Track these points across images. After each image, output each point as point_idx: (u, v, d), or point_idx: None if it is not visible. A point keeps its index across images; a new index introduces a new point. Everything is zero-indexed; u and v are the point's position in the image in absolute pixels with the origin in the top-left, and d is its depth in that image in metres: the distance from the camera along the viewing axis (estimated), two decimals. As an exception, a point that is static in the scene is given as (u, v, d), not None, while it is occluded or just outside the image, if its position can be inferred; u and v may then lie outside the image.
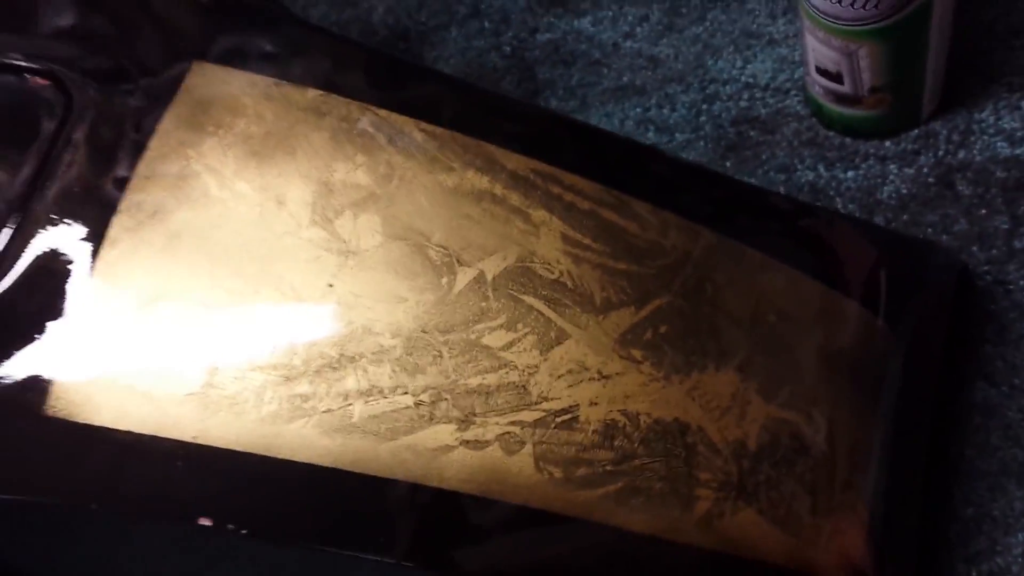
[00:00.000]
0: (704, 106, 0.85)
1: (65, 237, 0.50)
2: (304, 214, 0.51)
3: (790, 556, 0.51)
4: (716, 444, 0.51)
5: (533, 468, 0.48)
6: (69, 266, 0.49)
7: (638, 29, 0.89)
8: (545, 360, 0.49)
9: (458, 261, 0.51)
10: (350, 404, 0.48)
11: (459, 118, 0.55)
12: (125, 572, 0.54)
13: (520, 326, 0.50)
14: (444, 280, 0.50)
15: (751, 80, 0.86)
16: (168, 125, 0.52)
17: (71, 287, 0.48)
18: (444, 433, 0.48)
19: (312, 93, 0.54)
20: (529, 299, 0.50)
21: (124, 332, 0.48)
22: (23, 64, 0.53)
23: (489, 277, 0.51)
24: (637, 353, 0.50)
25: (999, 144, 0.77)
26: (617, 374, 0.50)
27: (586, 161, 0.54)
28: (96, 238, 0.49)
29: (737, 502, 0.50)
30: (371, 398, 0.48)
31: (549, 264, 0.51)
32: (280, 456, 0.47)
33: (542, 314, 0.50)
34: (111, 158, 0.51)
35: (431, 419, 0.48)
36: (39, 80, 0.54)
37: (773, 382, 0.53)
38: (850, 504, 0.54)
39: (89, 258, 0.49)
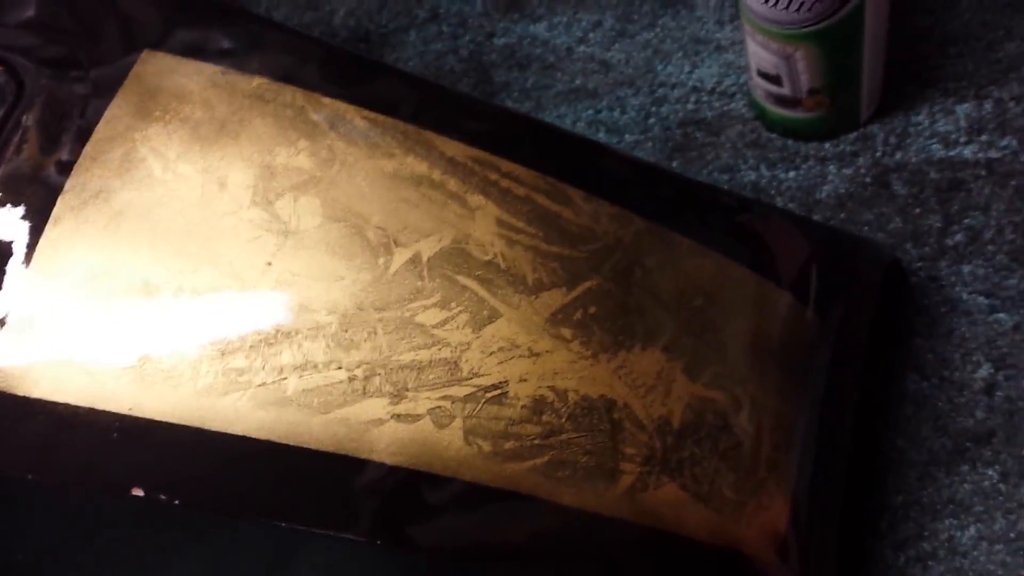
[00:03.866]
0: (653, 108, 0.87)
1: (10, 217, 0.50)
2: (245, 196, 0.52)
3: (713, 531, 0.52)
4: (641, 420, 0.51)
5: (462, 441, 0.49)
6: (12, 244, 0.49)
7: (591, 34, 0.91)
8: (477, 337, 0.50)
9: (395, 242, 0.51)
10: (285, 378, 0.48)
11: (400, 107, 0.56)
12: (78, 551, 0.54)
13: (454, 305, 0.51)
14: (381, 260, 0.51)
15: (698, 84, 0.87)
16: (116, 111, 0.53)
17: (12, 265, 0.49)
18: (376, 407, 0.48)
19: (257, 81, 0.55)
20: (463, 279, 0.51)
21: (64, 307, 0.48)
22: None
23: (425, 258, 0.51)
24: (567, 332, 0.51)
25: (934, 146, 0.79)
26: (547, 352, 0.50)
27: (524, 150, 0.55)
28: (40, 217, 0.50)
29: (660, 477, 0.51)
30: (305, 372, 0.49)
31: (483, 246, 0.52)
32: (214, 428, 0.47)
33: (475, 293, 0.51)
34: (58, 142, 0.52)
35: (364, 393, 0.49)
36: (-7, 68, 0.54)
37: (698, 362, 0.54)
38: (773, 483, 0.54)
39: (32, 236, 0.49)
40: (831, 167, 0.80)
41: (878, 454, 0.66)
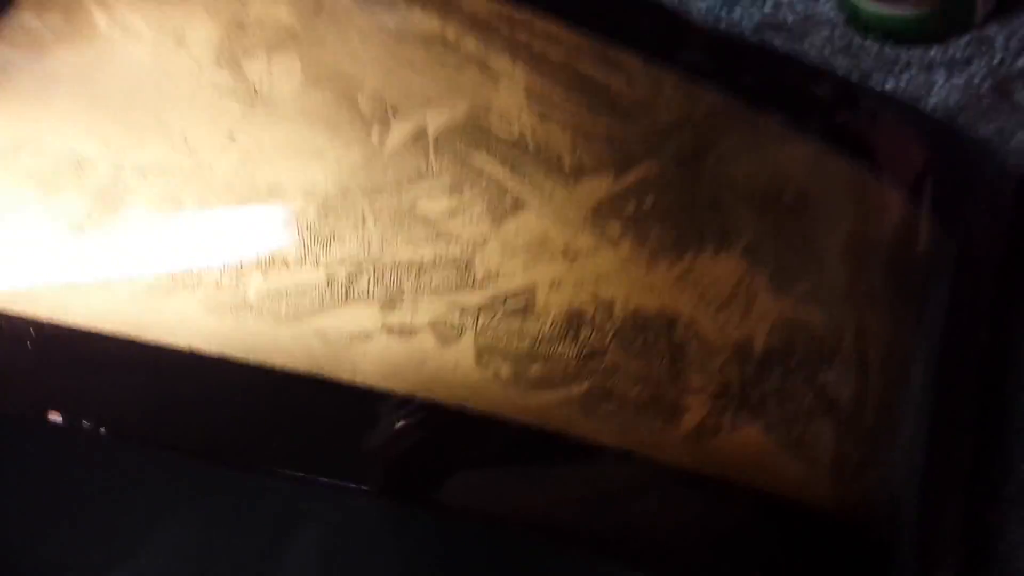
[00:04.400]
0: (723, 12, 0.74)
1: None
2: (207, 54, 0.40)
3: (804, 490, 0.38)
4: (712, 343, 0.38)
5: (474, 362, 0.36)
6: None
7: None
8: (497, 232, 0.37)
9: (394, 113, 0.39)
10: (245, 277, 0.36)
11: None
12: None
13: (467, 191, 0.38)
14: (375, 134, 0.38)
15: (775, -19, 0.74)
16: None
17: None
18: (362, 315, 0.36)
19: None
20: (480, 160, 0.38)
21: None
22: None
23: (431, 132, 0.39)
24: (615, 228, 0.38)
25: None
26: (588, 252, 0.38)
27: (565, 4, 0.41)
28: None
29: (737, 416, 0.38)
30: (272, 270, 0.36)
31: (508, 120, 0.39)
32: (152, 338, 0.35)
33: (495, 178, 0.38)
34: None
35: (347, 297, 0.36)
36: None
37: (788, 272, 0.40)
38: (883, 432, 0.40)
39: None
40: (939, 75, 0.68)
41: (1004, 410, 0.52)
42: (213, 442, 0.37)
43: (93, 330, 0.37)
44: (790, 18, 0.76)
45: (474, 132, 0.41)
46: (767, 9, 0.76)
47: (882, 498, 0.42)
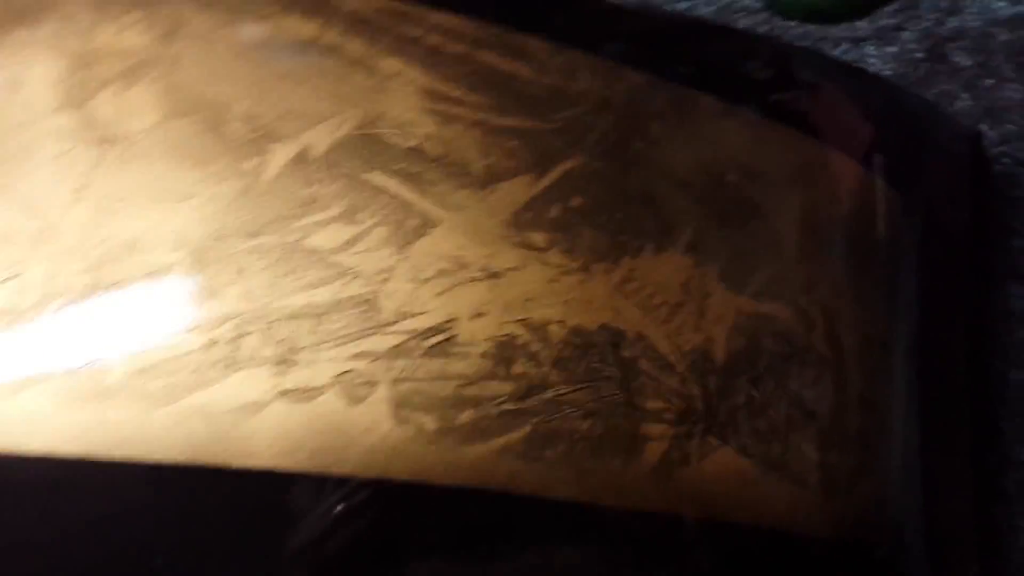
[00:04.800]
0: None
1: None
2: (49, 97, 0.33)
3: (791, 514, 0.32)
4: (667, 357, 0.32)
5: (391, 419, 0.30)
6: None
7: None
8: (404, 259, 0.31)
9: (270, 136, 0.32)
10: (105, 355, 0.29)
11: None
12: None
13: (364, 216, 0.32)
14: (250, 164, 0.32)
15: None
16: None
17: None
18: (251, 383, 0.30)
19: None
20: (376, 177, 0.32)
21: None
22: None
23: (316, 153, 0.33)
24: (539, 238, 0.32)
25: (997, 3, 0.63)
26: (511, 269, 0.31)
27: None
28: None
29: (706, 439, 0.31)
30: (138, 344, 0.29)
31: (404, 128, 0.33)
32: None
33: (396, 196, 0.32)
34: None
35: (232, 364, 0.29)
36: None
37: (741, 265, 0.34)
38: (873, 434, 0.34)
39: None
40: (869, 48, 0.66)
41: (988, 390, 0.47)
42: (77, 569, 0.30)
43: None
44: (705, 11, 0.72)
45: (366, 146, 0.35)
46: (682, 4, 0.72)
47: (882, 510, 0.36)
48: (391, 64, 0.37)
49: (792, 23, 0.67)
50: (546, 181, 0.35)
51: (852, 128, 0.43)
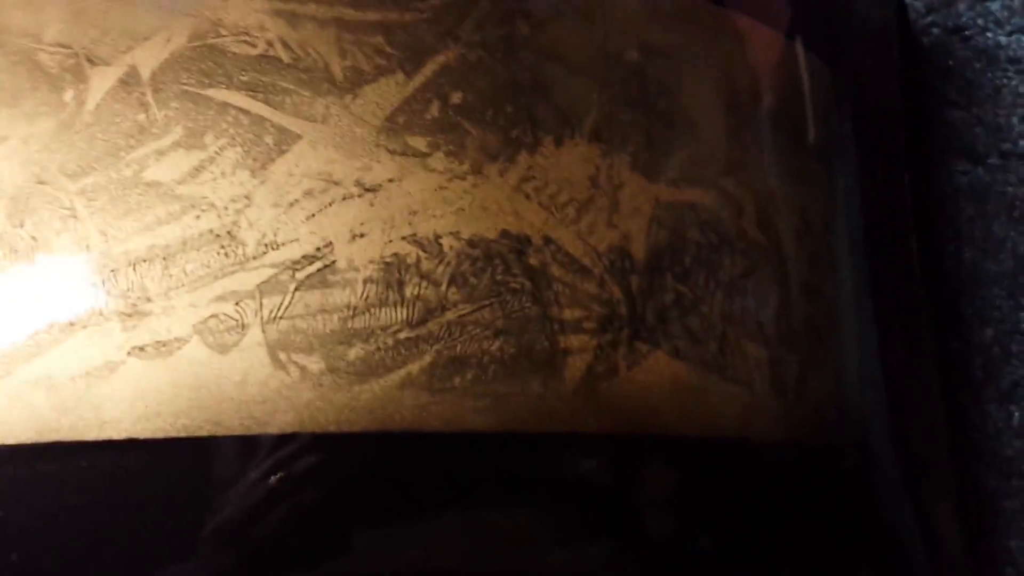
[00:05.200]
0: None
1: None
2: None
3: (739, 420, 0.28)
4: (580, 259, 0.28)
5: (269, 365, 0.25)
6: None
7: None
8: (262, 183, 0.27)
9: (89, 60, 0.27)
10: None
11: None
12: None
13: (209, 138, 0.27)
14: (68, 95, 0.28)
15: None
16: None
17: None
18: (97, 343, 0.25)
19: None
20: (219, 93, 0.27)
21: None
22: None
23: (145, 73, 0.27)
24: (419, 142, 0.28)
25: None
26: (390, 180, 0.27)
27: None
28: None
29: (634, 344, 0.28)
30: None
31: (247, 34, 0.28)
32: None
33: (245, 112, 0.27)
34: None
35: (69, 325, 0.24)
36: None
37: (656, 148, 0.31)
38: (821, 325, 0.31)
39: None
40: None
41: (945, 272, 0.44)
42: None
43: None
44: None
45: (204, 59, 0.30)
46: None
47: (841, 408, 0.32)
48: (223, -36, 0.32)
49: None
50: (419, 79, 0.31)
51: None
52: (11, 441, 0.27)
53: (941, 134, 0.53)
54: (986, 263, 0.50)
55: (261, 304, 0.29)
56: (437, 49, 0.33)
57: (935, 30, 0.57)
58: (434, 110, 0.32)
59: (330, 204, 0.30)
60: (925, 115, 0.53)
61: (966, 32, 0.57)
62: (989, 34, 0.56)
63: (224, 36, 0.32)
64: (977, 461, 0.46)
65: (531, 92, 0.33)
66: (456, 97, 0.32)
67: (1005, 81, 0.55)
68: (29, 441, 0.27)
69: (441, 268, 0.30)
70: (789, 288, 0.35)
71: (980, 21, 0.56)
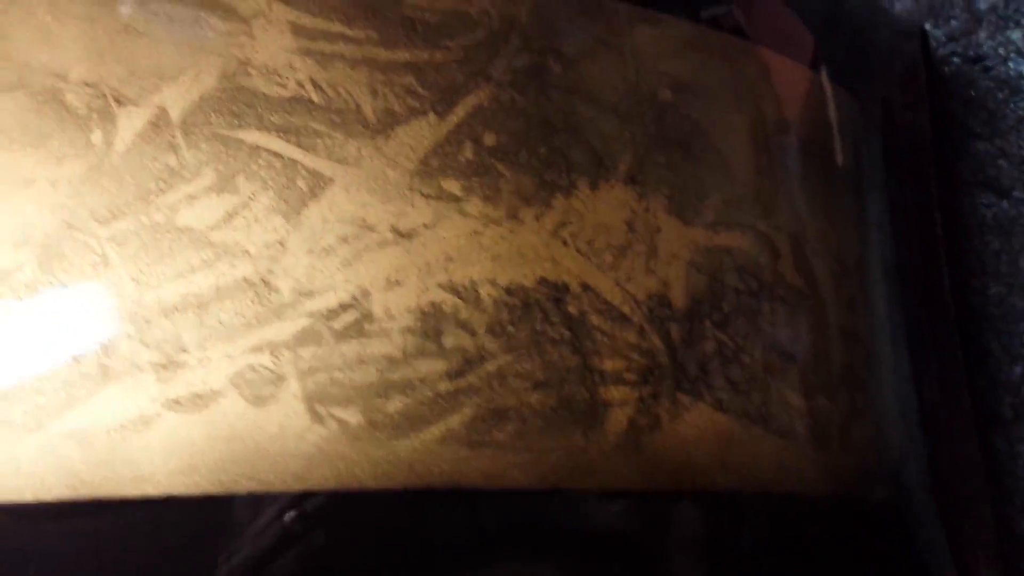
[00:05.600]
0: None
1: None
2: None
3: (782, 471, 0.29)
4: (619, 308, 0.28)
5: (306, 418, 0.25)
6: None
7: None
8: (296, 228, 0.26)
9: (116, 100, 0.27)
10: None
11: None
12: None
13: (242, 181, 0.27)
14: (96, 136, 0.28)
15: None
16: None
17: None
18: (132, 395, 0.25)
19: None
20: (250, 135, 0.27)
21: None
22: None
23: (175, 114, 0.28)
24: (453, 185, 0.28)
25: None
26: (425, 226, 0.27)
27: None
28: None
29: (676, 397, 0.28)
30: None
31: (277, 75, 0.28)
32: None
33: (277, 155, 0.27)
34: None
35: (103, 376, 0.24)
36: None
37: (690, 191, 0.31)
38: (860, 369, 0.31)
39: None
40: None
41: (972, 305, 0.44)
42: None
43: None
44: None
45: (235, 100, 0.30)
46: None
47: (881, 455, 0.32)
48: (248, 3, 0.32)
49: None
50: (452, 120, 0.31)
51: (793, 30, 0.39)
52: (45, 496, 0.27)
53: (965, 166, 0.53)
54: (1013, 298, 0.50)
55: (297, 355, 0.29)
56: (469, 89, 0.33)
57: (956, 59, 0.57)
58: (467, 152, 0.32)
59: (365, 250, 0.30)
60: (949, 147, 0.53)
61: (987, 62, 0.57)
62: (1011, 64, 0.56)
63: (253, 76, 0.32)
64: (1009, 504, 0.46)
65: (564, 133, 0.33)
66: (489, 138, 0.32)
67: (1026, 111, 0.56)
68: (63, 497, 0.27)
69: (479, 317, 0.30)
70: (828, 333, 0.35)
71: (1001, 51, 0.56)
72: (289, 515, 0.27)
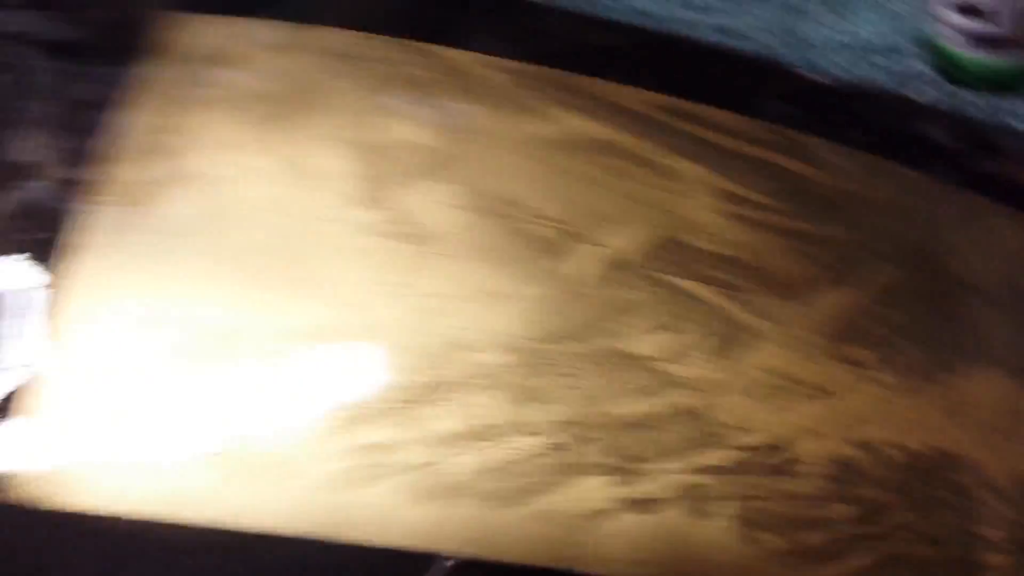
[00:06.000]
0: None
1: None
2: (346, 189, 0.35)
3: None
4: (997, 483, 0.33)
5: (739, 537, 0.31)
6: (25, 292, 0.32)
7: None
8: (734, 374, 0.33)
9: (577, 237, 0.34)
10: (452, 454, 0.30)
11: (542, 47, 0.39)
12: None
13: (686, 325, 0.33)
14: (563, 265, 0.34)
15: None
16: (142, 95, 0.39)
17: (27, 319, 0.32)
18: (592, 488, 0.31)
19: (336, 34, 0.38)
20: (689, 284, 0.34)
21: (101, 372, 0.31)
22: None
23: (629, 257, 0.34)
24: (865, 354, 0.34)
25: None
26: (844, 388, 0.33)
27: (725, 88, 0.38)
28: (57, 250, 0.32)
29: None
30: (482, 443, 0.31)
31: (706, 231, 0.35)
32: (349, 538, 0.30)
33: (715, 307, 0.33)
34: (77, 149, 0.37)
35: (575, 469, 0.31)
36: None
37: None
38: None
39: (52, 278, 0.34)
40: None
41: None
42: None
43: (270, 533, 0.31)
44: (884, 78, 0.73)
45: (675, 252, 0.37)
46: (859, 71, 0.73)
47: None
48: (680, 164, 0.39)
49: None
50: (866, 294, 0.37)
51: None
52: (528, 562, 0.33)
53: None
54: None
55: (737, 481, 0.35)
56: (876, 268, 0.39)
57: None
58: (876, 325, 0.38)
59: (794, 402, 0.36)
60: None
61: None
62: None
63: (689, 233, 0.38)
64: None
65: (952, 317, 0.39)
66: (896, 315, 0.38)
67: None
68: (542, 564, 0.33)
69: (885, 474, 0.36)
70: None
71: None
72: None
